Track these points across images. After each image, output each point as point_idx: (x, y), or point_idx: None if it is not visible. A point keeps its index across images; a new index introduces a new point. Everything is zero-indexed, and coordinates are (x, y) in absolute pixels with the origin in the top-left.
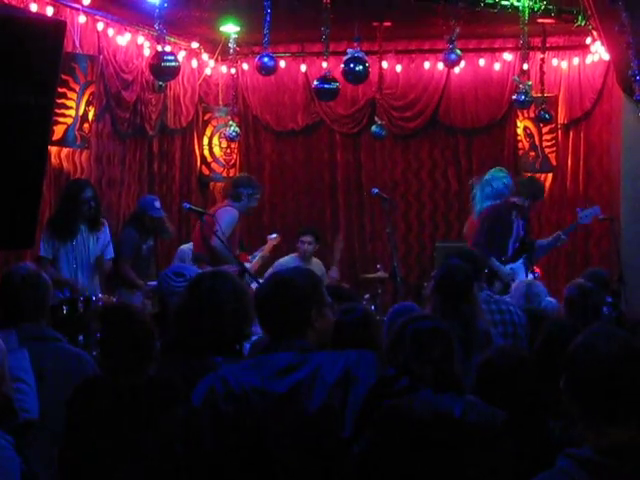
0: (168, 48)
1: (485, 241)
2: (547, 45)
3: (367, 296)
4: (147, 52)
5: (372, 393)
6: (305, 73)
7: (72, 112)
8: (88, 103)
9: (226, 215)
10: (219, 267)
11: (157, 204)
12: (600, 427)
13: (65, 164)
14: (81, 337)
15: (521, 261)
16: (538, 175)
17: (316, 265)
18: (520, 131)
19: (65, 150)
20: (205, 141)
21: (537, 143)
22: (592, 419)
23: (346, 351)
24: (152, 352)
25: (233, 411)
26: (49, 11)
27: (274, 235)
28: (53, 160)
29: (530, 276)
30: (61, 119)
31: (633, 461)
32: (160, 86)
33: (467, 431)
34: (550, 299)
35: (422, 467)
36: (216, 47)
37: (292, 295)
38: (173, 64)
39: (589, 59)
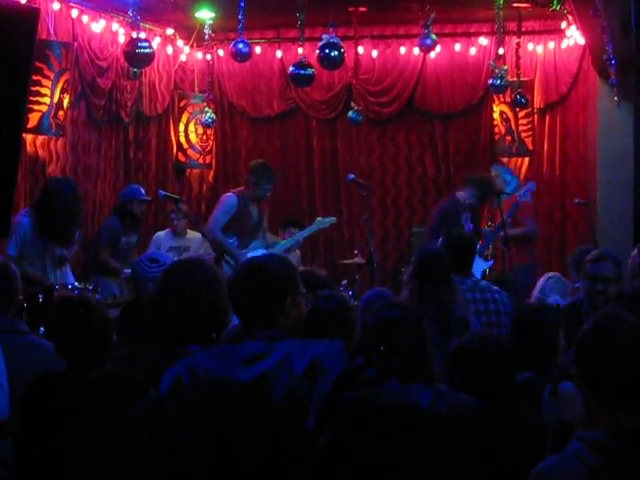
0: (143, 35)
1: (435, 234)
2: (522, 29)
3: (345, 282)
4: (122, 39)
5: (338, 384)
6: (281, 59)
7: (47, 100)
8: (63, 90)
9: (220, 204)
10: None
11: (142, 191)
12: (614, 411)
13: (40, 152)
14: (42, 328)
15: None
16: (514, 159)
17: (292, 253)
18: (496, 115)
19: (40, 138)
20: (181, 128)
21: (513, 127)
22: (605, 403)
23: (314, 341)
24: (109, 345)
25: (198, 400)
26: None
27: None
28: (28, 148)
29: (487, 264)
30: (36, 107)
31: None
32: (135, 73)
33: (435, 422)
34: (557, 297)
35: (388, 459)
36: (191, 33)
37: (268, 283)
38: (147, 51)
39: (564, 43)
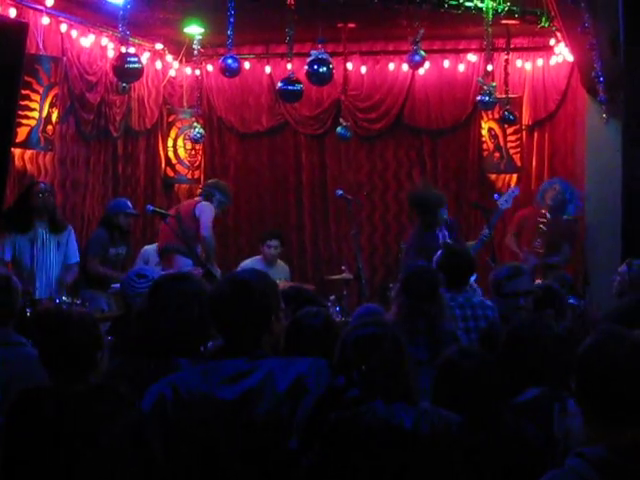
0: (132, 50)
1: (415, 254)
2: (511, 46)
3: (332, 297)
4: (111, 53)
5: (321, 404)
6: (269, 74)
7: (35, 114)
8: (52, 105)
9: (209, 210)
10: (183, 269)
11: (129, 204)
12: (615, 427)
13: (29, 166)
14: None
15: None
16: (503, 176)
17: (281, 268)
18: (485, 132)
19: (29, 152)
20: (170, 143)
21: (502, 144)
22: (606, 419)
23: (298, 358)
24: (93, 359)
25: (181, 418)
26: (12, 13)
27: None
28: (16, 162)
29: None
30: (24, 121)
31: None
32: (124, 88)
33: (419, 443)
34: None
35: None
36: (180, 48)
37: (255, 300)
38: (137, 66)
39: (553, 60)
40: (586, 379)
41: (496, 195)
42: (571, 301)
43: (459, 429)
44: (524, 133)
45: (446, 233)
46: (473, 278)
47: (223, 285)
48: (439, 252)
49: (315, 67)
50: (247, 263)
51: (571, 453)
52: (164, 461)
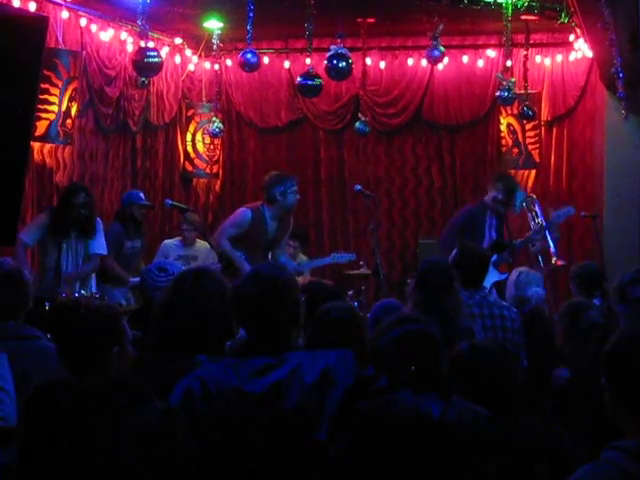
0: (151, 44)
1: (455, 235)
2: (530, 42)
3: (350, 292)
4: (130, 48)
5: (350, 394)
6: (288, 69)
7: (55, 108)
8: (71, 99)
9: (232, 216)
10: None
11: (142, 195)
12: None
13: (48, 160)
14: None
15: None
16: (521, 172)
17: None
18: (503, 128)
19: (48, 146)
20: (188, 137)
21: (520, 140)
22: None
23: (325, 351)
24: (108, 352)
25: (210, 412)
26: (32, 6)
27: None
28: (36, 156)
29: (500, 277)
30: (44, 115)
31: None
32: (143, 82)
33: (446, 432)
34: (537, 289)
35: (400, 470)
36: (199, 43)
37: (284, 297)
38: (156, 60)
39: (572, 56)
40: (616, 371)
41: (553, 210)
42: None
43: (486, 422)
44: (543, 129)
45: (494, 223)
46: (501, 277)
47: (249, 282)
48: (454, 251)
49: (334, 62)
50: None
51: (606, 447)
52: (192, 455)
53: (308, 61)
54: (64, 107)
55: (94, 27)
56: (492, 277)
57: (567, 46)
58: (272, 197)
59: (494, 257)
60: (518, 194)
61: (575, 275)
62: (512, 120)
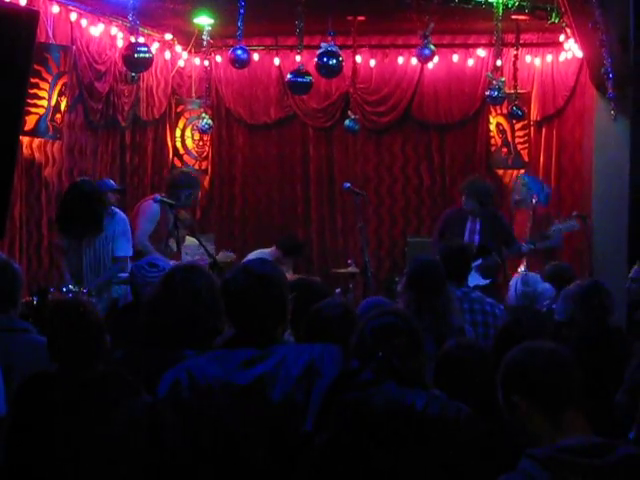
0: (141, 39)
1: (437, 241)
2: (521, 42)
3: (338, 290)
4: (120, 43)
5: (335, 386)
6: (279, 66)
7: (44, 102)
8: (60, 94)
9: (142, 213)
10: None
11: (112, 182)
12: (556, 419)
13: (37, 155)
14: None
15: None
16: (510, 171)
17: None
18: (493, 127)
19: (37, 140)
20: (177, 133)
21: (509, 139)
22: (547, 415)
23: (310, 344)
24: (101, 347)
25: (197, 403)
26: (22, 1)
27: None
28: (25, 150)
29: (482, 282)
30: (33, 109)
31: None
32: (133, 77)
33: (429, 425)
34: (546, 284)
35: (383, 461)
36: (189, 39)
37: (273, 292)
38: (146, 55)
39: (562, 56)
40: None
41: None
42: None
43: (468, 416)
44: (532, 129)
45: (477, 227)
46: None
47: (238, 277)
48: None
49: (324, 59)
50: (264, 253)
51: (523, 455)
52: (178, 447)
53: (298, 58)
54: (53, 102)
55: (84, 22)
56: (473, 280)
57: (557, 46)
58: (176, 196)
59: (478, 261)
60: (543, 188)
61: (547, 275)
62: (501, 120)
